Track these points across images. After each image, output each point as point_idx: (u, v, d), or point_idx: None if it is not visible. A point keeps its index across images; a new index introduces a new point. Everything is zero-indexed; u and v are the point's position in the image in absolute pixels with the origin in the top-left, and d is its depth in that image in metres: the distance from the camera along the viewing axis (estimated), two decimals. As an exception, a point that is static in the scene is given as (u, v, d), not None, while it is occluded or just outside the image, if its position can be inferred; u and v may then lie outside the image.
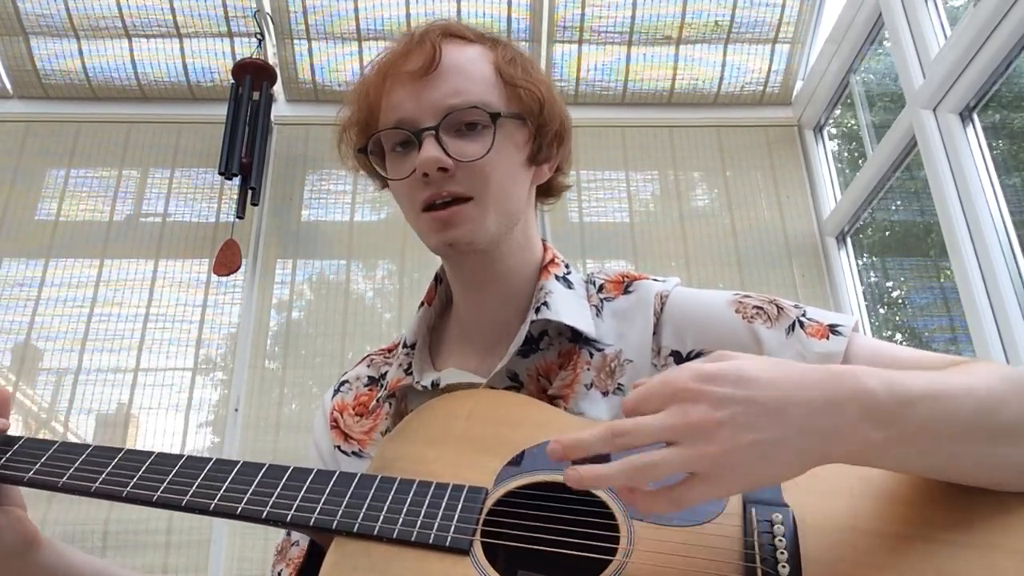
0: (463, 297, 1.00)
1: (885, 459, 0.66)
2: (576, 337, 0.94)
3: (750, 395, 0.61)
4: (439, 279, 1.06)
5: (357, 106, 0.97)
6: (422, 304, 1.05)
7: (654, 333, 0.92)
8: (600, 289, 0.99)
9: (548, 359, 0.94)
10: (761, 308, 0.90)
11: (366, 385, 1.06)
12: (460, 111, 0.90)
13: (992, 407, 0.68)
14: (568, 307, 0.94)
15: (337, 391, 1.08)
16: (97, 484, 0.82)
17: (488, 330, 0.98)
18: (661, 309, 0.93)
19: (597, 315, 0.96)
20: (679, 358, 0.90)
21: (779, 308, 0.90)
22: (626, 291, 0.97)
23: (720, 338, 0.89)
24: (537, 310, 0.93)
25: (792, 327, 0.87)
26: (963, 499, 0.70)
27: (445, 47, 0.92)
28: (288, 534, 1.00)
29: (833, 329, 0.86)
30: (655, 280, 0.98)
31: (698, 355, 0.89)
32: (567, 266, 1.02)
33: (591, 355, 0.93)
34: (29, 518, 0.89)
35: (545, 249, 1.02)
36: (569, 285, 0.98)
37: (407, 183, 0.91)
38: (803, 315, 0.89)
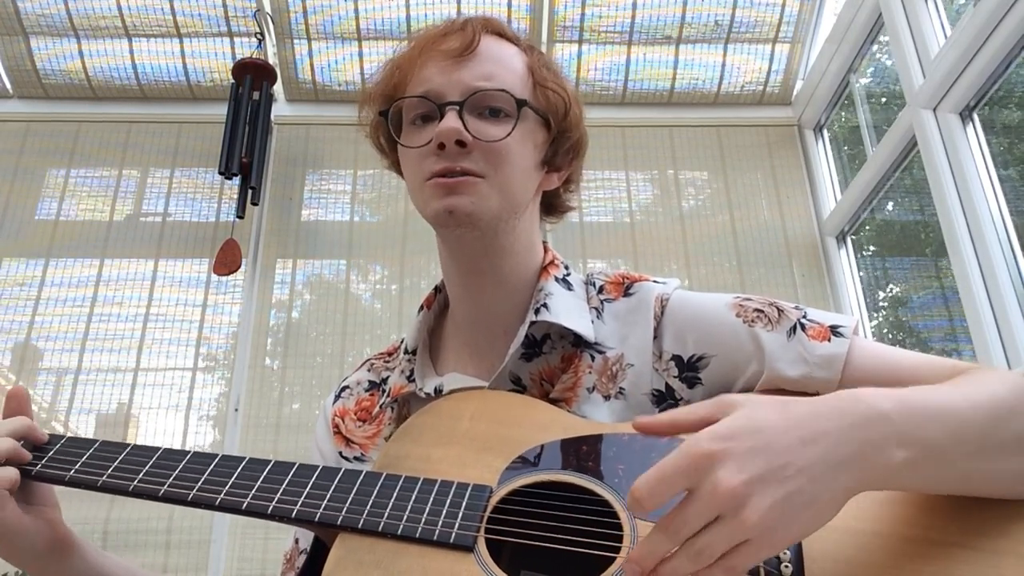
0: (459, 291, 1.00)
1: (908, 480, 0.66)
2: (578, 340, 0.94)
3: (768, 442, 0.61)
4: (439, 289, 1.06)
5: (386, 76, 0.98)
6: (421, 308, 1.05)
7: (655, 337, 0.92)
8: (600, 290, 0.99)
9: (551, 363, 0.94)
10: (762, 311, 0.90)
11: (367, 390, 1.06)
12: (487, 92, 0.90)
13: (1003, 419, 0.69)
14: (567, 310, 0.94)
15: (338, 397, 1.08)
16: (103, 479, 0.83)
17: (486, 331, 0.98)
18: (662, 313, 0.93)
19: (598, 317, 0.96)
20: (680, 362, 0.90)
21: (780, 310, 0.90)
22: (626, 293, 0.97)
23: (721, 342, 0.89)
24: (536, 311, 0.93)
25: (793, 329, 0.87)
26: (967, 502, 0.70)
27: (485, 37, 0.94)
28: (296, 542, 1.00)
29: (834, 331, 0.86)
30: (655, 282, 0.97)
31: (700, 359, 0.89)
32: (567, 267, 1.02)
33: (592, 358, 0.93)
34: (63, 520, 0.89)
35: (546, 250, 1.02)
36: (568, 286, 0.98)
37: (420, 152, 0.91)
38: (804, 317, 0.88)
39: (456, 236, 0.93)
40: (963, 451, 0.66)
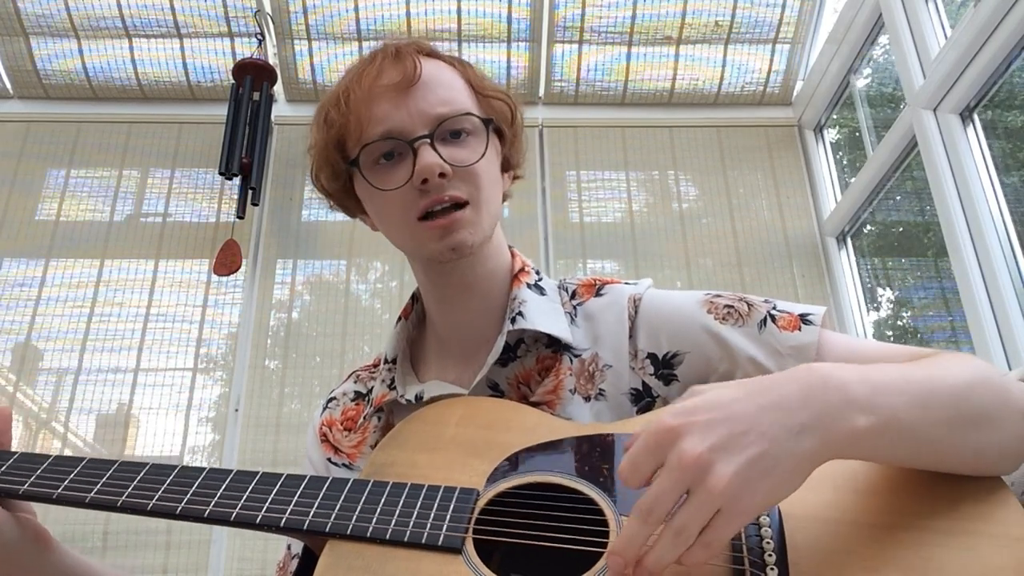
0: (440, 309, 1.01)
1: (874, 448, 0.67)
2: (554, 343, 0.95)
3: (728, 413, 0.62)
4: (415, 298, 1.07)
5: (328, 125, 0.96)
6: (399, 319, 1.06)
7: (630, 337, 0.94)
8: (573, 295, 1.01)
9: (527, 366, 0.96)
10: (732, 307, 0.92)
11: (353, 400, 1.08)
12: (453, 118, 0.92)
13: (963, 394, 0.71)
14: (543, 315, 0.96)
15: (325, 408, 1.10)
16: (91, 495, 0.82)
17: (465, 340, 1.00)
18: (635, 312, 0.95)
19: (572, 322, 0.98)
20: (655, 360, 0.92)
21: (749, 305, 0.92)
22: (597, 294, 0.99)
23: (693, 339, 0.91)
24: (513, 320, 0.95)
25: (763, 322, 0.89)
26: (942, 487, 0.71)
27: (423, 61, 0.94)
28: (288, 549, 1.01)
29: (804, 319, 0.88)
30: (627, 284, 0.99)
31: (674, 356, 0.91)
32: (537, 272, 1.03)
33: (571, 361, 0.94)
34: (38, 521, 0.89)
35: (513, 256, 1.04)
36: (541, 291, 1.00)
37: (400, 193, 0.91)
38: (773, 308, 0.91)
39: (454, 265, 0.95)
40: (928, 421, 0.68)
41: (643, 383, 0.92)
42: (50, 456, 0.86)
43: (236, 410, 2.67)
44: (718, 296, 0.94)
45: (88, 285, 2.84)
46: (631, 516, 0.62)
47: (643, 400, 0.91)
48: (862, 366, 0.69)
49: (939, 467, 0.71)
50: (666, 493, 0.60)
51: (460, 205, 0.91)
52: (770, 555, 0.67)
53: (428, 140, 0.90)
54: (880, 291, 2.95)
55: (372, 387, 1.06)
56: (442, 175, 0.89)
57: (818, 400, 0.64)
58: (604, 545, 0.71)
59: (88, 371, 2.74)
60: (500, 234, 1.02)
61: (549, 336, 0.94)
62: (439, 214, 0.90)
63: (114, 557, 2.45)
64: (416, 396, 0.96)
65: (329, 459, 1.03)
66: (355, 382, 1.09)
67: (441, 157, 0.89)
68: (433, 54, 0.98)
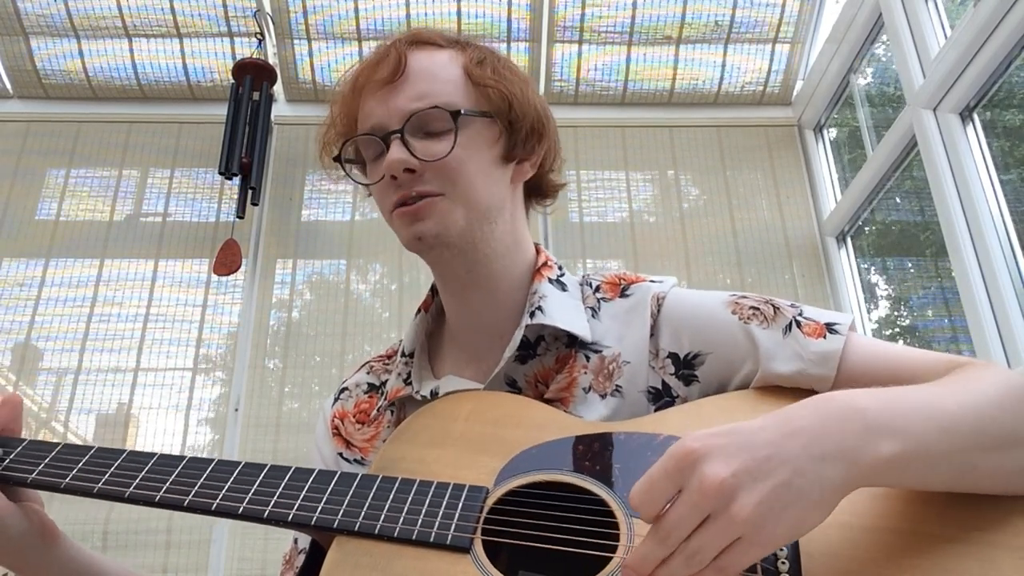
0: (450, 302, 1.01)
1: (901, 475, 0.66)
2: (572, 341, 0.94)
3: (751, 439, 0.61)
4: (435, 291, 1.06)
5: (334, 119, 1.00)
6: (419, 311, 1.05)
7: (651, 335, 0.92)
8: (596, 290, 0.99)
9: (546, 364, 0.94)
10: (757, 308, 0.90)
11: (366, 392, 1.06)
12: (422, 113, 0.91)
13: (994, 415, 0.69)
14: (563, 311, 0.94)
15: (337, 398, 1.08)
16: (99, 485, 0.82)
17: (480, 335, 0.98)
18: (658, 311, 0.93)
19: (593, 316, 0.96)
20: (676, 360, 0.90)
21: (775, 308, 0.90)
22: (623, 294, 0.97)
23: (717, 340, 0.89)
24: (532, 315, 0.93)
25: (789, 327, 0.87)
26: (963, 497, 0.70)
27: (411, 54, 0.94)
28: (295, 542, 1.00)
29: (830, 328, 0.86)
30: (652, 281, 0.97)
31: (696, 357, 0.89)
32: (560, 268, 1.02)
33: (587, 358, 0.93)
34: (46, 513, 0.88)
35: (538, 252, 1.02)
36: (563, 287, 0.98)
37: (379, 187, 0.94)
38: (799, 314, 0.88)
39: (434, 257, 0.95)
40: (954, 446, 0.66)
41: (663, 382, 0.90)
42: (59, 444, 0.86)
43: (236, 410, 2.67)
44: (744, 297, 0.92)
45: (88, 285, 2.84)
46: (648, 534, 0.61)
47: (662, 399, 0.89)
48: (885, 390, 0.68)
49: (974, 490, 0.70)
50: (686, 518, 0.59)
51: (434, 196, 0.91)
52: (783, 562, 0.67)
53: (399, 136, 0.90)
54: (880, 290, 2.95)
55: (386, 380, 1.04)
56: (409, 170, 0.89)
57: (838, 429, 0.63)
58: (614, 548, 0.70)
59: (88, 371, 2.73)
60: (519, 232, 1.00)
61: (568, 334, 0.93)
62: (410, 203, 0.91)
63: (113, 556, 2.43)
64: (431, 392, 0.95)
65: (341, 454, 1.02)
66: (368, 373, 1.08)
67: (411, 152, 0.89)
68: (431, 42, 0.97)
